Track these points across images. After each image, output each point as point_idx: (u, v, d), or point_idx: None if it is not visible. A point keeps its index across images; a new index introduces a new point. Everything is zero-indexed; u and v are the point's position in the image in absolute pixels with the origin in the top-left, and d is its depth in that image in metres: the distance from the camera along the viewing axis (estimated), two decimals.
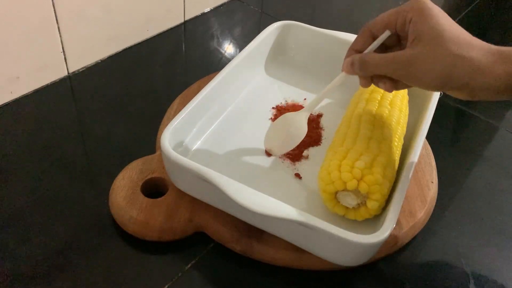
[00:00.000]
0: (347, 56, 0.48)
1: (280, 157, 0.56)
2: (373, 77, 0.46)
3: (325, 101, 0.64)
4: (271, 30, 0.66)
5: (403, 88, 0.47)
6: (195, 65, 0.76)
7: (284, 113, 0.62)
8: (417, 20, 0.42)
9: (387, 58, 0.43)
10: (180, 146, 0.52)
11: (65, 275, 0.46)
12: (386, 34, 0.46)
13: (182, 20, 0.83)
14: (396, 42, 0.47)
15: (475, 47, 0.40)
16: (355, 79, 0.61)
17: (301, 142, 0.58)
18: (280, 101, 0.64)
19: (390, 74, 0.44)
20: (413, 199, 0.54)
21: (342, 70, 0.48)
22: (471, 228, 0.55)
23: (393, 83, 0.45)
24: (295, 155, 0.57)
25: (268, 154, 0.56)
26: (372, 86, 0.57)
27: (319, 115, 0.62)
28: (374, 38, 0.47)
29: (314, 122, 0.61)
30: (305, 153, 0.57)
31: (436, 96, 0.58)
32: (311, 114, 0.62)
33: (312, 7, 0.95)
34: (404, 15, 0.44)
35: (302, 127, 0.53)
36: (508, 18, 0.98)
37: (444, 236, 0.54)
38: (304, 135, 0.54)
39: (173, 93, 0.65)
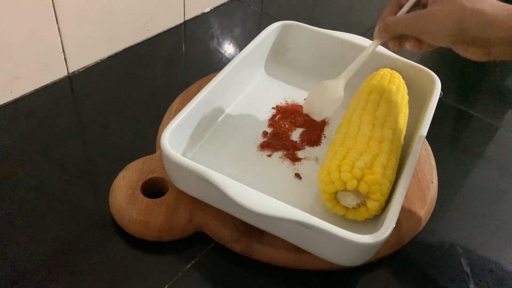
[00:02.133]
0: (377, 25, 0.51)
1: (280, 157, 0.56)
2: (401, 39, 0.49)
3: None
4: (271, 30, 0.66)
5: (427, 48, 0.49)
6: (195, 65, 0.76)
7: (284, 113, 0.62)
8: None
9: (406, 16, 0.48)
10: (180, 146, 0.52)
11: (65, 275, 0.46)
12: (412, 0, 0.50)
13: (182, 20, 0.83)
14: (422, 9, 0.49)
15: (488, 2, 0.43)
16: (355, 79, 0.61)
17: (301, 143, 0.58)
18: (280, 101, 0.64)
19: (409, 31, 0.47)
20: (413, 199, 0.54)
21: (374, 38, 0.52)
22: (471, 228, 0.55)
23: (417, 43, 0.48)
24: (295, 155, 0.57)
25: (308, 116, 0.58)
26: (372, 87, 0.58)
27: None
28: (401, 7, 0.51)
29: (319, 125, 0.61)
30: (305, 153, 0.57)
31: (436, 96, 0.58)
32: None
33: (312, 7, 0.95)
34: None
35: (339, 94, 0.55)
36: None
37: (444, 236, 0.54)
38: (341, 101, 0.55)
39: (173, 93, 0.65)
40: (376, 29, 0.51)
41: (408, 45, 0.49)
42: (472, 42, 0.44)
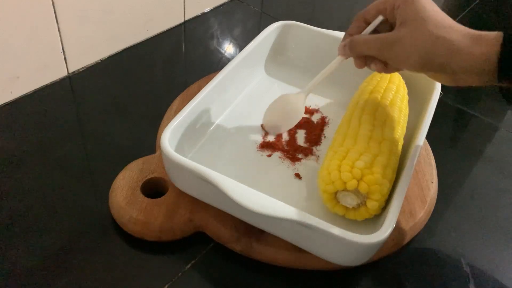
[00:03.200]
0: (343, 40, 0.50)
1: (280, 157, 0.56)
2: (366, 58, 0.49)
3: (325, 101, 0.65)
4: (271, 30, 0.66)
5: (393, 70, 0.49)
6: (195, 65, 0.76)
7: None
8: (404, 6, 0.45)
9: (373, 38, 0.47)
10: (180, 146, 0.52)
11: (65, 275, 0.46)
12: (379, 19, 0.49)
13: (182, 20, 0.83)
14: (389, 29, 0.49)
15: (455, 30, 0.42)
16: (355, 79, 0.61)
17: (301, 143, 0.58)
18: None
19: (375, 53, 0.46)
20: (413, 199, 0.53)
21: (338, 54, 0.51)
22: (471, 228, 0.55)
23: (383, 65, 0.48)
24: (295, 155, 0.57)
25: (265, 131, 0.57)
26: (372, 86, 0.58)
27: (323, 118, 0.62)
28: (368, 24, 0.50)
29: (319, 125, 0.61)
30: (305, 153, 0.57)
31: (436, 96, 0.58)
32: (315, 116, 0.62)
33: (312, 7, 0.95)
34: (393, 2, 0.46)
35: (298, 109, 0.54)
36: (509, 17, 0.98)
37: (444, 236, 0.54)
38: (301, 117, 0.55)
39: (173, 93, 0.65)
40: (341, 45, 0.50)
41: (373, 66, 0.48)
42: (439, 70, 0.43)
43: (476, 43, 0.41)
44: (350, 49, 0.48)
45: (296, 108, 0.54)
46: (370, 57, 0.48)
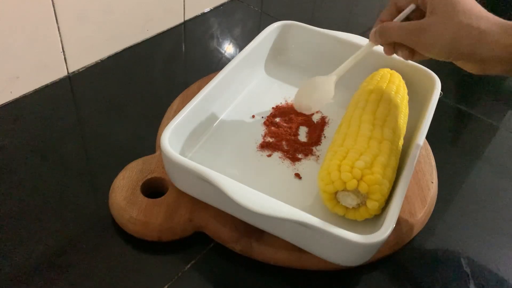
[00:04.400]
0: (374, 27, 0.51)
1: (280, 157, 0.56)
2: (395, 45, 0.49)
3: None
4: (271, 30, 0.66)
5: (419, 58, 0.49)
6: (195, 65, 0.76)
7: (284, 113, 0.62)
8: None
9: (402, 25, 0.47)
10: (180, 146, 0.52)
11: (65, 275, 0.46)
12: (411, 7, 0.49)
13: (182, 20, 0.83)
14: (420, 18, 0.49)
15: (484, 19, 0.43)
16: (355, 79, 0.61)
17: (301, 143, 0.58)
18: (280, 101, 0.64)
19: (404, 40, 0.47)
20: (413, 199, 0.53)
21: (369, 40, 0.52)
22: (471, 228, 0.55)
23: (410, 52, 0.48)
24: (295, 155, 0.57)
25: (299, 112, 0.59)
26: (373, 86, 0.58)
27: (323, 118, 0.62)
28: (400, 11, 0.50)
29: (319, 125, 0.61)
30: (305, 153, 0.57)
31: (436, 96, 0.58)
32: (315, 116, 0.62)
33: (312, 7, 0.95)
34: None
35: (330, 90, 0.55)
36: (508, 18, 0.98)
37: (444, 236, 0.54)
38: (331, 98, 0.55)
39: (173, 93, 0.65)
40: (372, 31, 0.51)
41: (400, 53, 0.49)
42: (467, 58, 0.44)
43: (505, 33, 0.41)
44: (380, 35, 0.49)
45: (326, 89, 0.55)
46: (398, 44, 0.49)
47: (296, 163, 0.56)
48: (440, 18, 0.44)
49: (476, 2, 0.44)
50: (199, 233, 0.50)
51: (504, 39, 0.41)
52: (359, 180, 0.46)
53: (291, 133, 0.59)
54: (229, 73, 0.59)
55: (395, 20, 0.50)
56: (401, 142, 0.53)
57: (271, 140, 0.58)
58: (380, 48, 0.52)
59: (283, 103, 0.64)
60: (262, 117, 0.61)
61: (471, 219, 0.56)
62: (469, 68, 0.46)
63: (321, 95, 0.55)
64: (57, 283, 0.45)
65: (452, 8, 0.43)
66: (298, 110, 0.58)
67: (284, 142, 0.58)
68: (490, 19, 0.43)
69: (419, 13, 0.49)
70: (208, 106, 0.56)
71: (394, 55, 0.50)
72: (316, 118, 0.62)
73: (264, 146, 0.57)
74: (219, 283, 0.47)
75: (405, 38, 0.47)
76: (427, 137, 0.55)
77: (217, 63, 0.76)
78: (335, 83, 0.55)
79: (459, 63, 0.46)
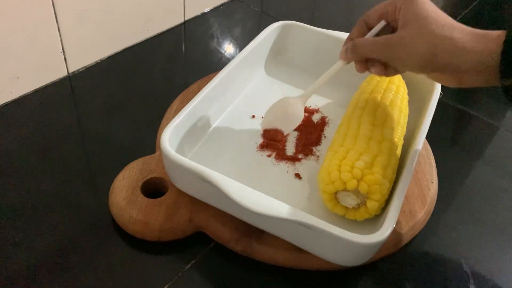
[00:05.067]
0: (344, 45, 0.50)
1: (280, 157, 0.56)
2: (367, 61, 0.48)
3: (325, 101, 0.65)
4: (271, 30, 0.66)
5: (393, 73, 0.49)
6: (195, 65, 0.76)
7: None
8: (405, 7, 0.45)
9: (375, 40, 0.47)
10: (180, 146, 0.52)
11: (65, 275, 0.46)
12: (381, 24, 0.49)
13: (182, 20, 0.83)
14: (391, 33, 0.48)
15: (457, 29, 0.42)
16: (355, 79, 0.61)
17: (301, 142, 0.58)
18: None
19: (378, 55, 0.46)
20: (413, 199, 0.53)
21: (340, 58, 0.51)
22: (471, 228, 0.55)
23: (383, 67, 0.47)
24: (295, 155, 0.57)
25: (266, 136, 0.56)
26: (372, 86, 0.58)
27: (323, 118, 0.62)
28: (370, 28, 0.50)
29: (319, 125, 0.61)
30: (305, 153, 0.57)
31: (436, 96, 0.58)
32: (315, 116, 0.62)
33: (312, 7, 0.95)
34: (394, 4, 0.47)
35: (298, 112, 0.54)
36: (508, 18, 0.98)
37: (444, 236, 0.54)
38: (300, 120, 0.54)
39: (173, 93, 0.65)
40: (343, 49, 0.49)
41: (373, 70, 0.48)
42: (442, 70, 0.43)
43: (479, 41, 0.41)
44: (352, 51, 0.48)
45: (296, 112, 0.54)
46: (371, 60, 0.48)
47: (296, 163, 0.56)
48: (413, 31, 0.43)
49: (446, 15, 0.44)
50: (199, 233, 0.50)
51: (478, 46, 0.40)
52: (359, 180, 0.46)
53: (291, 133, 0.59)
54: (229, 73, 0.59)
55: (366, 36, 0.49)
56: (401, 142, 0.53)
57: (270, 141, 0.58)
58: None
59: None
60: (262, 117, 0.61)
61: (471, 219, 0.56)
62: (445, 80, 0.45)
63: (291, 118, 0.54)
64: (57, 283, 0.45)
65: (424, 20, 0.43)
66: (265, 133, 0.55)
67: (284, 143, 0.58)
68: (463, 28, 0.42)
69: (389, 31, 0.49)
70: (208, 106, 0.56)
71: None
72: (316, 118, 0.62)
73: (264, 146, 0.57)
74: (219, 283, 0.47)
75: (378, 53, 0.46)
76: (427, 137, 0.55)
77: (217, 63, 0.76)
78: (304, 104, 0.54)
79: (434, 77, 0.46)
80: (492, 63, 0.40)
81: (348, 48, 0.49)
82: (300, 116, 0.54)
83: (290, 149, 0.57)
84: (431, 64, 0.43)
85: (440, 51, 0.42)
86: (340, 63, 0.51)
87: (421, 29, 0.43)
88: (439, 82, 0.47)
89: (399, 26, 0.46)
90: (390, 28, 0.49)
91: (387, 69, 0.47)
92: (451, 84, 0.45)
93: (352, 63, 0.50)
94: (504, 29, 0.41)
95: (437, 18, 0.43)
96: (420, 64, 0.43)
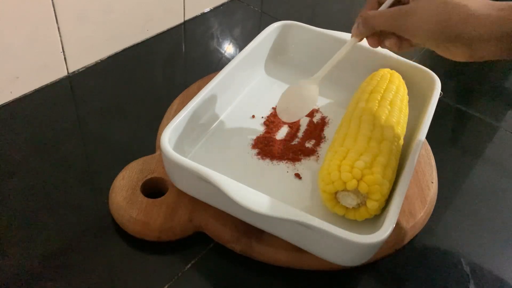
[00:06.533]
0: (356, 22, 0.50)
1: (280, 157, 0.56)
2: (380, 36, 0.48)
3: (325, 101, 0.65)
4: (271, 30, 0.66)
5: (407, 46, 0.48)
6: (195, 65, 0.76)
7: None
8: None
9: (386, 11, 0.46)
10: (180, 146, 0.52)
11: (65, 275, 0.46)
12: None
13: (182, 20, 0.83)
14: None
15: None
16: (355, 79, 0.61)
17: (301, 142, 0.58)
18: None
19: (390, 27, 0.46)
20: (413, 199, 0.54)
21: (352, 35, 0.50)
22: (471, 228, 0.55)
23: (398, 40, 0.47)
24: (295, 155, 0.57)
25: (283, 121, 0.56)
26: (372, 86, 0.57)
27: (323, 118, 0.62)
28: (381, 4, 0.49)
29: (319, 125, 0.61)
30: (305, 153, 0.57)
31: (436, 96, 0.58)
32: (315, 116, 0.62)
33: (312, 7, 0.95)
34: None
35: (312, 96, 0.54)
36: None
37: (444, 236, 0.54)
38: (314, 105, 0.54)
39: (173, 93, 0.65)
40: (355, 25, 0.49)
41: (387, 43, 0.48)
42: (455, 40, 0.42)
43: (494, 8, 0.40)
44: (363, 24, 0.48)
45: (310, 95, 0.53)
46: (384, 34, 0.47)
47: (296, 163, 0.56)
48: (426, 1, 0.43)
49: None
50: (199, 233, 0.50)
51: (492, 14, 0.40)
52: (359, 180, 0.46)
53: (291, 133, 0.59)
54: (229, 73, 0.58)
55: (379, 9, 0.49)
56: (401, 142, 0.53)
57: (267, 142, 0.58)
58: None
59: None
60: (262, 117, 0.61)
61: (471, 219, 0.56)
62: (456, 53, 0.43)
63: (306, 102, 0.54)
64: (57, 283, 0.45)
65: None
66: (281, 119, 0.56)
67: (284, 142, 0.58)
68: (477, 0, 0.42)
69: (401, 4, 0.48)
70: (208, 106, 0.56)
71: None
72: (316, 118, 0.62)
73: (260, 153, 0.57)
74: (219, 283, 0.47)
75: (390, 24, 0.45)
76: (427, 137, 0.55)
77: (217, 63, 0.76)
78: (318, 85, 0.54)
79: (445, 50, 0.44)
80: (508, 28, 0.39)
81: (359, 23, 0.48)
82: (314, 100, 0.54)
83: (290, 149, 0.57)
84: (443, 33, 0.42)
85: (452, 19, 0.41)
86: (351, 41, 0.50)
87: None
88: (450, 56, 0.44)
89: None
90: (402, 3, 0.48)
91: (402, 42, 0.47)
92: (462, 58, 0.43)
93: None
94: None
95: None
96: (432, 34, 0.43)
